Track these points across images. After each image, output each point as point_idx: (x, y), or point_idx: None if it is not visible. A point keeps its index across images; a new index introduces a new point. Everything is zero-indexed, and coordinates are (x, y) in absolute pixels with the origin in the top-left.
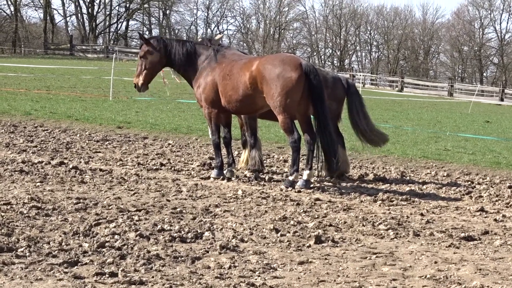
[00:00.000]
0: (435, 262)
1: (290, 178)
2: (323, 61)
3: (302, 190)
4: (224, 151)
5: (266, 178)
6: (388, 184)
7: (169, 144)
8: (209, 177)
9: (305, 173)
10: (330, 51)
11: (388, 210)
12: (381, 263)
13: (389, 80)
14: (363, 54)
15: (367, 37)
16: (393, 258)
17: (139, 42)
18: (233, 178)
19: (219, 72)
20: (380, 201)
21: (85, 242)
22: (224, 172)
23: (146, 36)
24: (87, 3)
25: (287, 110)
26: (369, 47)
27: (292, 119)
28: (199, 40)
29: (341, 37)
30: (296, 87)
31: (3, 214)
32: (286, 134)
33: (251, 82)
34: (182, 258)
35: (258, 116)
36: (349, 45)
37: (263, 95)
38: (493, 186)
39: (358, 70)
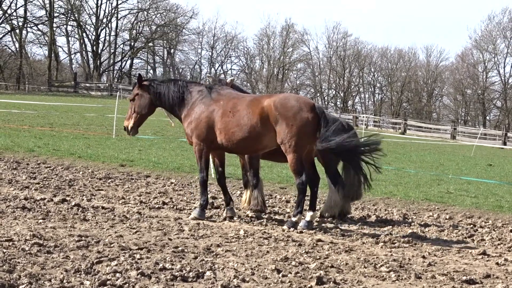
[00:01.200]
0: None
1: (293, 219)
2: (326, 102)
3: (304, 231)
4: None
5: (267, 218)
6: (390, 226)
7: (171, 182)
8: (210, 217)
9: (308, 215)
10: (334, 92)
11: (390, 252)
12: None
13: (392, 122)
14: (367, 95)
15: (370, 79)
16: None
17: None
18: (235, 218)
19: (217, 109)
20: (382, 243)
21: (87, 280)
22: (224, 212)
23: (143, 77)
24: (92, 41)
25: (298, 150)
26: (372, 88)
27: (302, 160)
28: (211, 80)
29: (345, 78)
30: (311, 128)
31: (5, 250)
32: (295, 174)
33: (261, 119)
34: None
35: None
36: (352, 87)
37: (272, 133)
38: (496, 229)
39: (361, 112)
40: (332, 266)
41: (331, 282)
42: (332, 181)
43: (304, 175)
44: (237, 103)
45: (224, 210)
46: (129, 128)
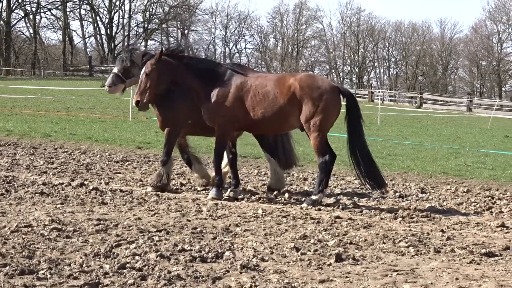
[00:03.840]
0: (456, 279)
1: (314, 197)
2: (341, 78)
3: (322, 208)
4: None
5: (286, 196)
6: (408, 201)
7: None
8: (226, 196)
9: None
10: (349, 68)
11: (409, 227)
12: (402, 281)
13: (408, 96)
14: (382, 70)
15: (385, 54)
16: (414, 276)
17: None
18: (239, 197)
19: (245, 89)
20: (401, 218)
21: (106, 263)
22: (228, 192)
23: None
24: (105, 24)
25: (322, 130)
26: (387, 63)
27: (326, 139)
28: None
29: (359, 54)
30: (336, 108)
31: (24, 236)
32: (318, 154)
33: (289, 98)
34: (203, 278)
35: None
36: (367, 62)
37: (297, 112)
38: None
39: (376, 87)
40: (351, 243)
41: (350, 259)
42: (270, 153)
43: (327, 155)
44: (264, 83)
45: (229, 190)
46: (143, 103)
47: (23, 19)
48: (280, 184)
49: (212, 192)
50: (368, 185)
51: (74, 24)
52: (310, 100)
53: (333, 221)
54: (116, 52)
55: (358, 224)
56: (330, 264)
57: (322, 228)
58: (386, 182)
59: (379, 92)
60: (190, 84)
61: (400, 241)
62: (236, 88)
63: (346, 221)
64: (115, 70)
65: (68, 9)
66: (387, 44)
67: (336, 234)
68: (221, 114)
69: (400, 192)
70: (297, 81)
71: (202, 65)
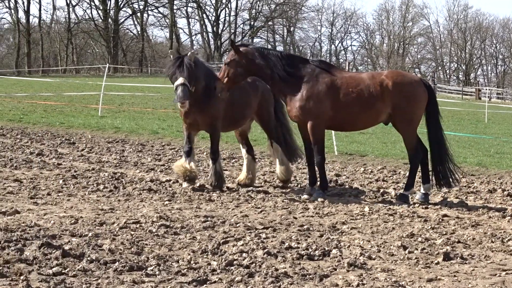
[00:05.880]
0: None
1: (405, 192)
2: (448, 76)
3: (429, 206)
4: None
5: (393, 194)
6: None
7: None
8: (335, 194)
9: (423, 187)
10: (455, 65)
11: None
12: (511, 280)
13: None
14: (489, 67)
15: (492, 51)
16: None
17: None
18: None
19: (337, 87)
20: (509, 217)
21: (214, 260)
22: (313, 192)
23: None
24: (212, 22)
25: (414, 125)
26: (494, 60)
27: (417, 134)
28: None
29: (466, 51)
30: (424, 102)
31: (132, 232)
32: (411, 149)
33: (382, 96)
34: (310, 276)
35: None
36: (474, 59)
37: (389, 109)
38: None
39: (484, 84)
40: (458, 242)
41: (458, 258)
42: (278, 144)
43: (419, 150)
44: (355, 81)
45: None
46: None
47: (130, 17)
48: (288, 173)
49: (316, 194)
50: (436, 182)
51: (181, 22)
52: (402, 96)
53: (440, 220)
54: (222, 49)
55: (466, 222)
56: (438, 263)
57: (430, 227)
58: (457, 183)
59: (486, 89)
60: (272, 79)
61: (509, 240)
62: (326, 86)
63: (454, 219)
64: (183, 81)
65: (175, 7)
66: (494, 41)
67: (444, 232)
68: (313, 112)
69: (508, 190)
70: (389, 78)
71: (285, 61)
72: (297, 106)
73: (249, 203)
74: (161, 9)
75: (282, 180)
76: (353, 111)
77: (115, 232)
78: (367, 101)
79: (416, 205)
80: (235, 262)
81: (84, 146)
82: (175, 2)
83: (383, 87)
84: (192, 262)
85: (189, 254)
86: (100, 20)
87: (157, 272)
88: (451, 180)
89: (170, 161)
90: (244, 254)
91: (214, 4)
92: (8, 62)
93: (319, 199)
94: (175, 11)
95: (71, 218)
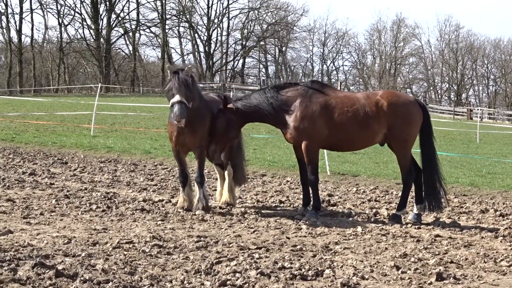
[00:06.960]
0: None
1: (397, 213)
2: (439, 96)
3: (421, 226)
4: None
5: (386, 214)
6: (509, 220)
7: (287, 181)
8: (327, 214)
9: (416, 207)
10: (447, 85)
11: (510, 246)
12: None
13: (508, 114)
14: (480, 88)
15: (484, 71)
16: None
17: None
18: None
19: (331, 107)
20: (502, 237)
21: (207, 280)
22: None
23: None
24: (204, 41)
25: (409, 146)
26: (486, 80)
27: (411, 155)
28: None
29: (458, 71)
30: (419, 125)
31: (125, 252)
32: (404, 170)
33: (377, 116)
34: None
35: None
36: (465, 79)
37: (384, 130)
38: None
39: (475, 104)
40: (451, 262)
41: (451, 278)
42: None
43: (412, 171)
44: (350, 101)
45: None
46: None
47: (122, 36)
48: (234, 198)
49: (309, 215)
50: (428, 205)
51: (173, 42)
52: (398, 117)
53: (433, 240)
54: (214, 69)
55: (458, 243)
56: (431, 283)
57: (422, 247)
58: (444, 207)
59: (478, 109)
60: (266, 116)
61: (501, 260)
62: (320, 106)
63: (447, 239)
64: (180, 98)
65: (167, 27)
66: (486, 62)
67: (437, 252)
68: (307, 133)
69: (500, 210)
70: (384, 98)
71: (270, 94)
72: (292, 127)
73: (242, 223)
74: (153, 29)
75: (228, 204)
76: (349, 130)
77: (108, 252)
78: (363, 121)
79: (409, 225)
80: (228, 282)
81: (77, 165)
82: (167, 22)
83: (378, 107)
84: (185, 282)
85: (182, 274)
86: (92, 40)
87: None
88: (440, 203)
89: (162, 180)
90: (237, 274)
91: (206, 24)
92: (0, 81)
93: (312, 219)
94: (167, 31)
95: (64, 238)
